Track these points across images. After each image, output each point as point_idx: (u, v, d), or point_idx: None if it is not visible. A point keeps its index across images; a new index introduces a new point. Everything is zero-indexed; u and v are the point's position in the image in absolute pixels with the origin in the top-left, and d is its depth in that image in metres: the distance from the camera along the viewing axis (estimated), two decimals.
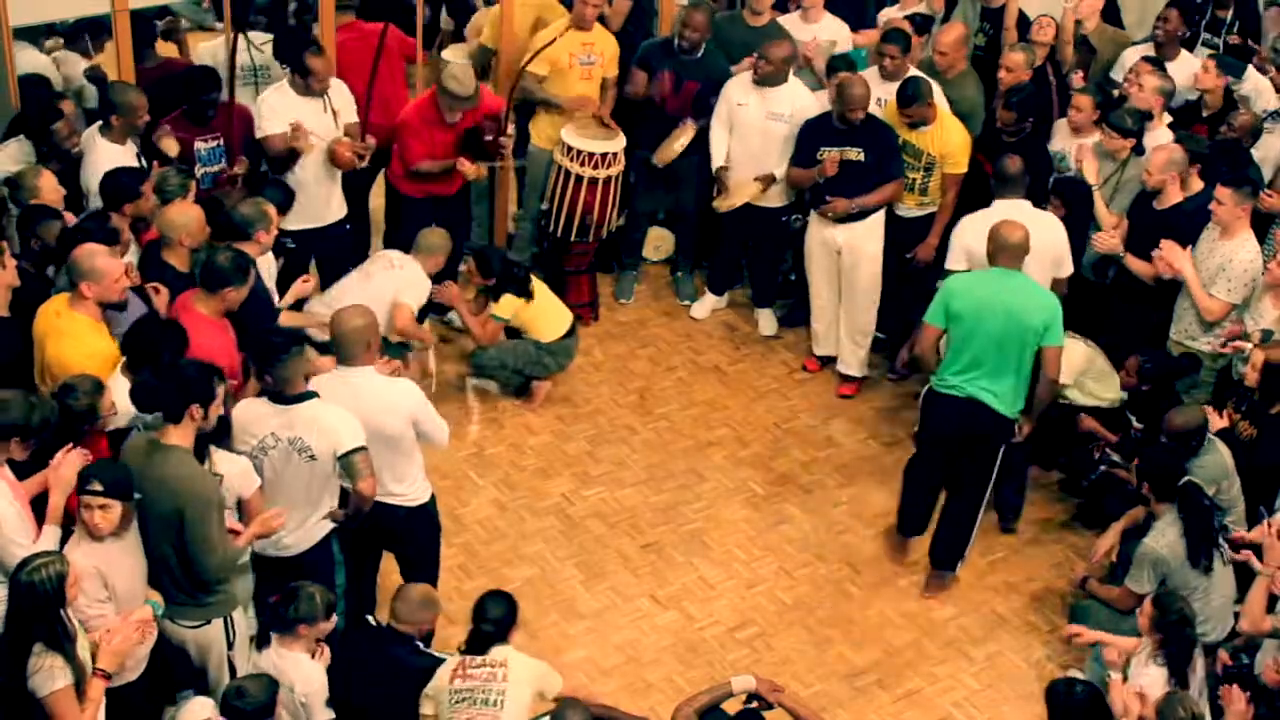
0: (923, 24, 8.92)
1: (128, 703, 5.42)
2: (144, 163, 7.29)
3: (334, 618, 5.62)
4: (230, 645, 5.70)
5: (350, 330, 6.07)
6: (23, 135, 7.16)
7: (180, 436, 5.43)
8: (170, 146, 7.49)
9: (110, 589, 5.28)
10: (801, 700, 6.15)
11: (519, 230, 9.19)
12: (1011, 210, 7.29)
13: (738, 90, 8.56)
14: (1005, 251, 6.91)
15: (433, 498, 6.43)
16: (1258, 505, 6.69)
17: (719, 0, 9.55)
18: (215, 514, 5.47)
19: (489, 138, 8.18)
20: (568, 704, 5.42)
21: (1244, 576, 6.51)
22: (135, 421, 5.80)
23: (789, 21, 9.07)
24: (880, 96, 8.34)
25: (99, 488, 5.19)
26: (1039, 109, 8.23)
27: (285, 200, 7.43)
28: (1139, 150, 7.83)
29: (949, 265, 7.55)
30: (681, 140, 8.72)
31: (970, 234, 7.40)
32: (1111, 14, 9.26)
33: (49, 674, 4.83)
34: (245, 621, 5.87)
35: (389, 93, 8.38)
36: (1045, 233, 7.31)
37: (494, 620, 5.66)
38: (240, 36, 8.19)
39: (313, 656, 5.55)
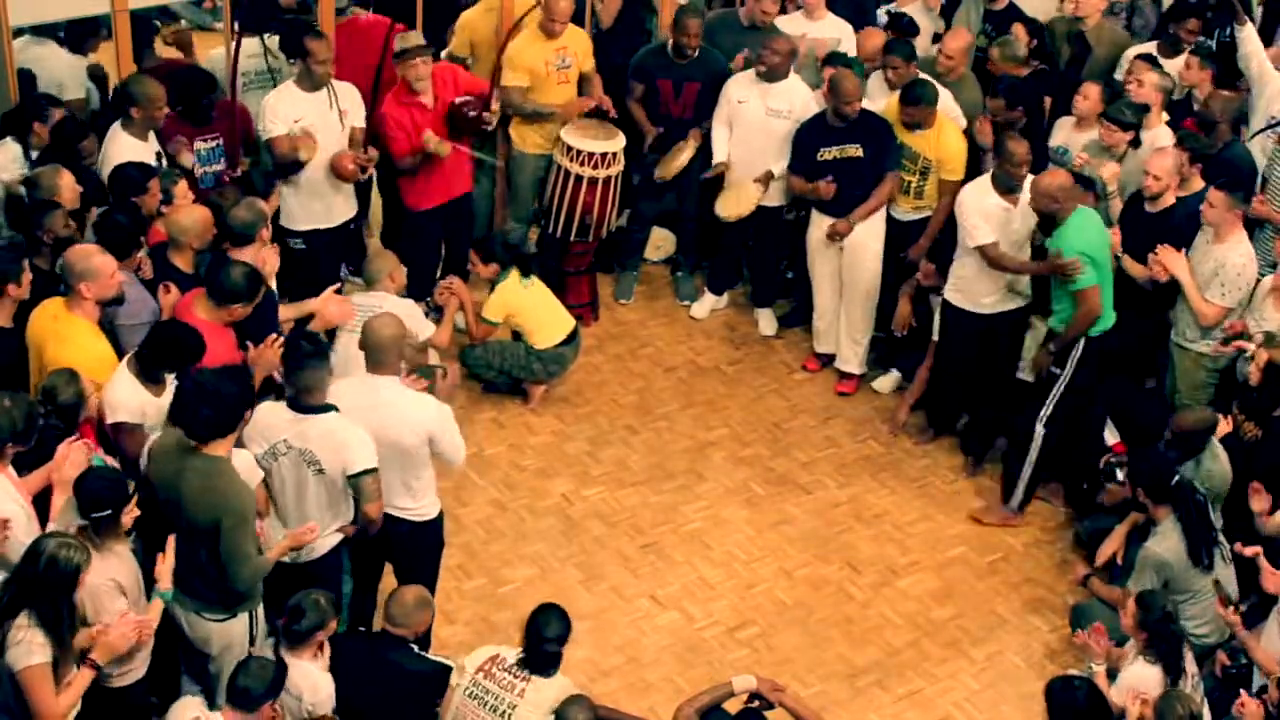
0: (909, 25, 8.94)
1: (129, 699, 5.43)
2: (164, 162, 7.30)
3: (338, 615, 5.63)
4: (252, 640, 5.69)
5: (383, 339, 6.05)
6: (10, 138, 7.12)
7: (222, 447, 5.45)
8: (187, 160, 7.51)
9: (126, 594, 5.30)
10: (802, 700, 6.16)
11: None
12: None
13: (738, 88, 8.58)
14: (1073, 196, 7.19)
15: (440, 514, 6.39)
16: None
17: (710, 4, 9.56)
18: (251, 527, 5.49)
19: (472, 113, 8.10)
20: (571, 701, 5.42)
21: (1245, 578, 6.52)
22: (139, 419, 5.81)
23: (791, 20, 9.08)
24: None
25: (131, 488, 5.26)
26: (1030, 100, 8.23)
27: (266, 186, 7.41)
28: (1135, 144, 7.84)
29: (978, 241, 7.54)
30: (685, 155, 8.73)
31: (975, 201, 7.55)
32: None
33: (27, 648, 4.82)
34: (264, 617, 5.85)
35: None
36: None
37: (558, 638, 5.59)
38: (259, 40, 8.20)
39: (316, 654, 5.55)
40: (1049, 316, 7.50)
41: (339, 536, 6.07)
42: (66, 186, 6.60)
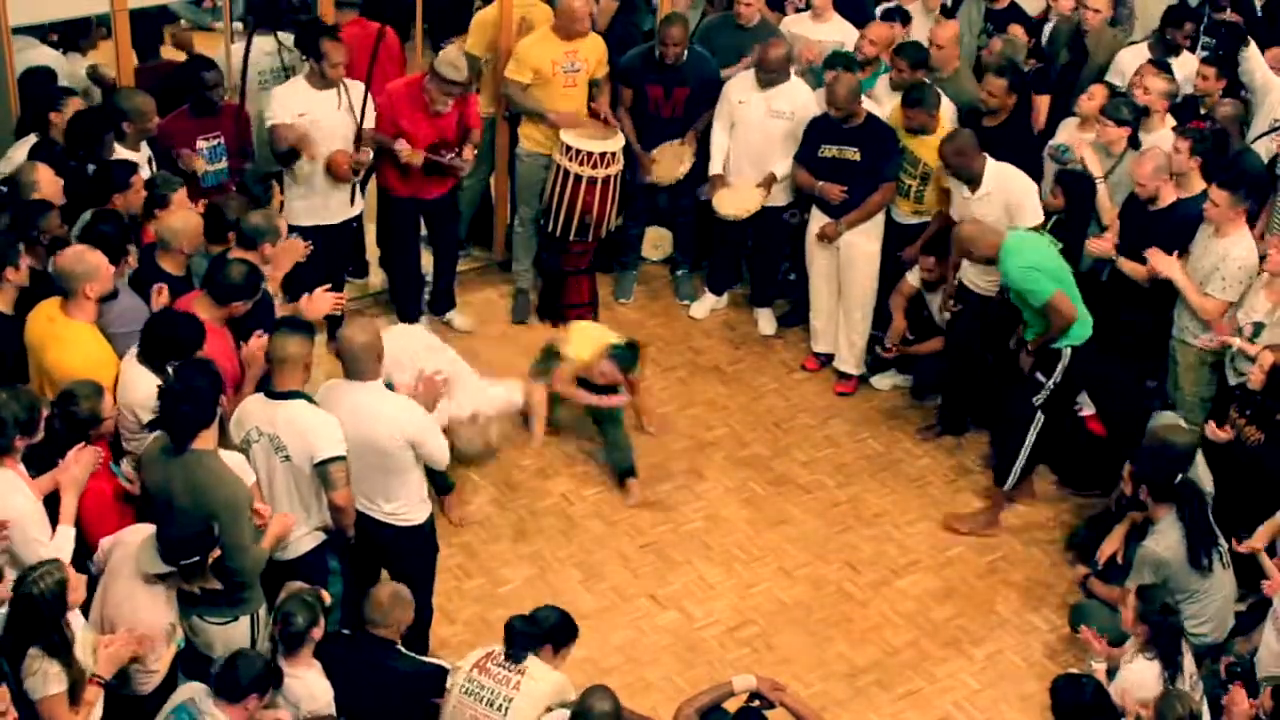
0: (903, 17, 8.96)
1: (149, 705, 5.43)
2: (155, 167, 7.29)
3: (327, 612, 5.63)
4: (254, 643, 5.68)
5: (358, 346, 5.99)
6: (34, 134, 7.13)
7: (206, 440, 5.46)
8: (199, 166, 7.52)
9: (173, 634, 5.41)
10: (802, 700, 6.15)
11: (516, 236, 9.18)
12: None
13: (739, 89, 8.57)
14: (984, 237, 7.30)
15: (430, 519, 6.34)
16: (1265, 512, 6.65)
17: (713, 4, 9.55)
18: (246, 517, 5.50)
19: (447, 157, 8.14)
20: (592, 691, 5.41)
21: (1244, 578, 6.53)
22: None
23: (797, 22, 9.08)
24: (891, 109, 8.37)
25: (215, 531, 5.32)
26: (1023, 94, 8.23)
27: (265, 191, 7.37)
28: (1134, 142, 7.85)
29: None
30: (683, 167, 8.75)
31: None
32: None
33: (44, 678, 4.86)
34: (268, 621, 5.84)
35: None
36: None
37: (531, 619, 5.67)
38: (274, 38, 8.21)
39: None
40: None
41: (320, 537, 6.06)
42: (45, 181, 6.60)
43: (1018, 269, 7.11)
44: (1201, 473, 6.76)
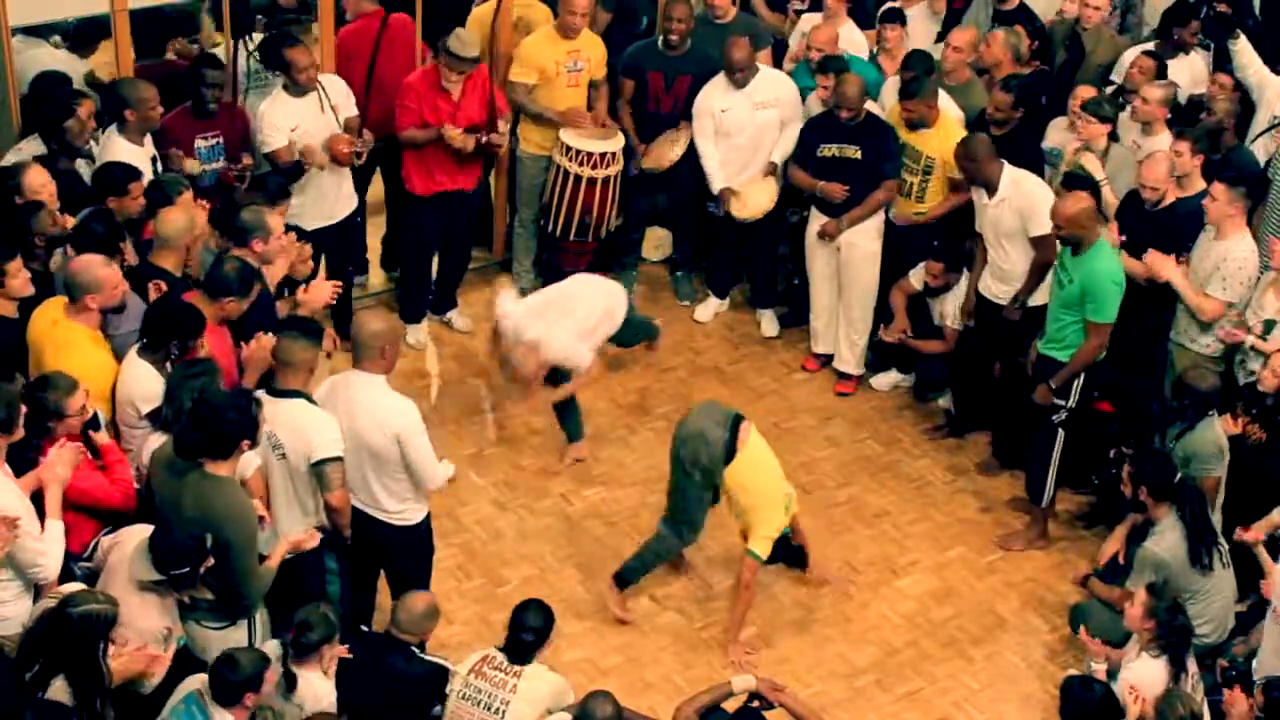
0: (900, 19, 8.95)
1: (152, 700, 5.43)
2: (159, 167, 7.29)
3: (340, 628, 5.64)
4: (251, 646, 5.68)
5: (365, 333, 6.02)
6: (37, 134, 7.14)
7: (226, 468, 5.44)
8: (191, 167, 7.51)
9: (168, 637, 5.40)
10: (801, 700, 6.16)
11: (516, 237, 9.18)
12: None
13: (716, 98, 8.52)
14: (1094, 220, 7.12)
15: (427, 519, 6.34)
16: (1264, 511, 6.65)
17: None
18: (253, 544, 5.50)
19: (482, 139, 8.18)
20: (593, 696, 5.42)
21: (1244, 578, 6.52)
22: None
23: (810, 23, 8.99)
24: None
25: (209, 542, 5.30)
26: (1032, 103, 8.23)
27: (279, 191, 7.36)
28: (1114, 137, 7.85)
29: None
30: (677, 149, 8.72)
31: None
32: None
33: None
34: (265, 622, 5.85)
35: (398, 83, 8.37)
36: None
37: (534, 629, 5.69)
38: (240, 42, 8.20)
39: (325, 672, 5.54)
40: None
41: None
42: (34, 183, 6.51)
43: (1107, 273, 6.93)
44: (1223, 443, 6.75)
